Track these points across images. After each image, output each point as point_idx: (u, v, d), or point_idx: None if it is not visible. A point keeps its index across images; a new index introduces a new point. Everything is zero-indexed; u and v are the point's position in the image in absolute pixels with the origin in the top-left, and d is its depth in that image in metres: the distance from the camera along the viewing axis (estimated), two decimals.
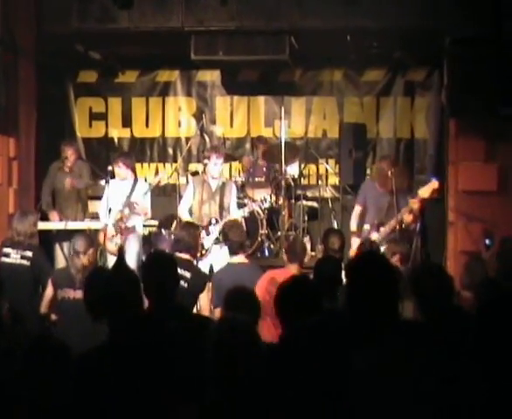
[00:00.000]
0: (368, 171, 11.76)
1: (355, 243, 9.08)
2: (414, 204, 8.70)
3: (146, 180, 10.98)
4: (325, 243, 7.18)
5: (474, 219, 9.30)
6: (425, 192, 8.72)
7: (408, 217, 8.77)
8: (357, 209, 9.39)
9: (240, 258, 7.71)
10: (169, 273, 4.81)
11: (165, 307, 4.59)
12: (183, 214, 9.42)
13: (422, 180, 10.62)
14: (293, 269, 7.16)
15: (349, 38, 10.14)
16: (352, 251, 8.82)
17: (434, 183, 8.72)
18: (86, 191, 10.50)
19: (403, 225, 8.79)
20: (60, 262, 9.36)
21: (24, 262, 7.74)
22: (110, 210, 9.08)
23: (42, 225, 9.03)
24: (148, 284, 4.61)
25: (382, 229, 8.84)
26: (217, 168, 9.32)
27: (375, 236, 8.84)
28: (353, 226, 9.36)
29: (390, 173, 8.91)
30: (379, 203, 9.01)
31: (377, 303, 3.38)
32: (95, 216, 9.97)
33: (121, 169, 9.54)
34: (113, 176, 9.61)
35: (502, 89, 8.41)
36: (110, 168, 9.65)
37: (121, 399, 3.59)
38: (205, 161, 9.52)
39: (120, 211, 9.28)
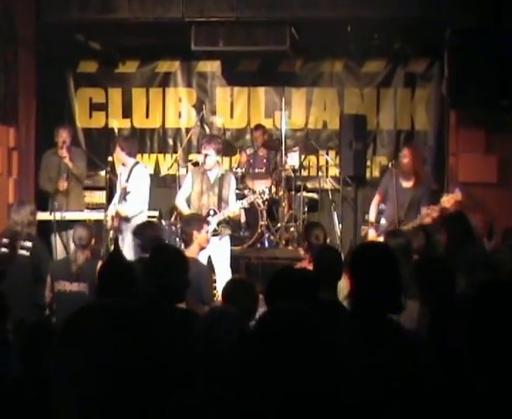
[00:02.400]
0: (368, 163, 11.75)
1: (371, 233, 8.98)
2: (434, 212, 8.56)
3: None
4: (308, 237, 6.88)
5: (474, 210, 9.29)
6: (447, 202, 8.53)
7: (427, 222, 8.67)
8: (377, 198, 9.25)
9: None
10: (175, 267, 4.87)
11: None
12: (179, 203, 9.36)
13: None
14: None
15: (349, 29, 10.12)
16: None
17: (458, 195, 8.49)
18: (82, 179, 10.31)
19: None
20: (59, 252, 9.31)
21: (24, 252, 7.73)
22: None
23: (40, 216, 8.98)
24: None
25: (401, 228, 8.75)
26: (208, 159, 9.11)
27: None
28: (372, 216, 9.18)
29: (414, 161, 8.85)
30: (400, 199, 8.76)
31: (378, 291, 3.39)
32: (93, 207, 9.92)
33: (117, 154, 9.42)
34: (113, 166, 9.57)
35: (503, 80, 8.40)
36: (110, 158, 9.63)
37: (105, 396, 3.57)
38: (203, 151, 9.49)
39: (114, 205, 9.21)
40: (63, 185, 9.63)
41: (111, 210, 9.15)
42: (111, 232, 8.98)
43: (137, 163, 9.54)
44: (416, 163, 8.97)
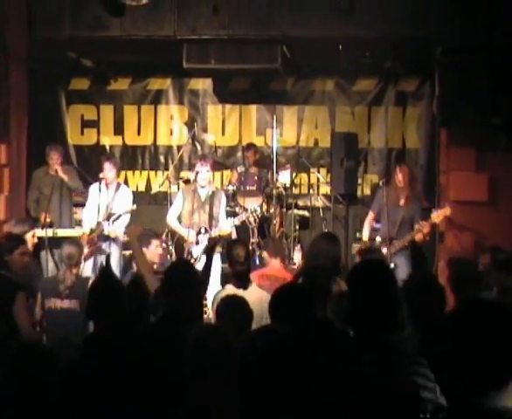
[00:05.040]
0: (359, 181, 11.77)
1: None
2: (425, 228, 8.70)
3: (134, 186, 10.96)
4: (229, 256, 6.66)
5: (465, 229, 9.32)
6: (437, 217, 8.73)
7: (419, 238, 8.76)
8: (370, 216, 9.39)
9: None
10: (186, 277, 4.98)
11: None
12: (171, 221, 9.41)
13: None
14: (275, 264, 7.14)
15: (340, 48, 10.16)
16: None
17: (447, 210, 8.72)
18: (72, 197, 10.40)
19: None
20: (50, 268, 9.30)
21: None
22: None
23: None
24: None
25: (393, 245, 8.81)
26: (202, 176, 9.26)
27: (385, 251, 8.79)
28: (365, 235, 9.32)
29: (408, 180, 8.95)
30: (393, 217, 8.91)
31: (377, 311, 3.38)
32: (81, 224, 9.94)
33: (106, 171, 9.50)
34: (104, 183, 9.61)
35: (493, 99, 8.44)
36: (101, 175, 9.64)
37: (107, 406, 3.57)
38: (196, 169, 9.52)
39: (98, 223, 9.26)
40: (44, 218, 9.70)
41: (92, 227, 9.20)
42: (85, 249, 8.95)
43: (120, 183, 9.82)
44: (408, 182, 9.08)
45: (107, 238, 9.31)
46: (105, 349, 3.73)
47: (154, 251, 7.70)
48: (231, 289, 6.29)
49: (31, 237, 8.29)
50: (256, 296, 5.71)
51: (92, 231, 9.21)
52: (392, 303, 3.46)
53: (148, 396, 3.60)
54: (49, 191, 9.86)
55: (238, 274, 6.41)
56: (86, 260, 8.90)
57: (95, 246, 9.23)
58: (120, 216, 9.28)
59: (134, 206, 9.43)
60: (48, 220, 9.70)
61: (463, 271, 6.31)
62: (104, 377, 3.62)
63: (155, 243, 7.75)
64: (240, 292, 5.84)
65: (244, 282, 6.33)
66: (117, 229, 9.28)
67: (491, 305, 2.70)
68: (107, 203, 9.44)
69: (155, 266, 7.82)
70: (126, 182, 11.49)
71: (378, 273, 3.60)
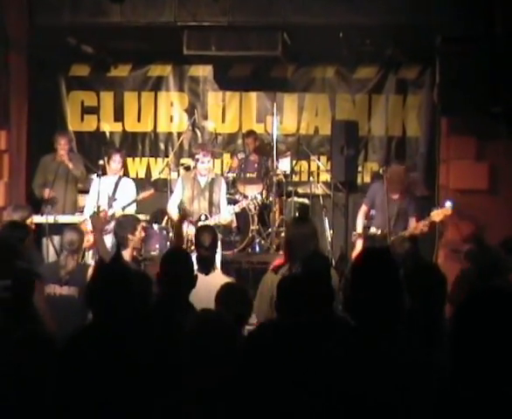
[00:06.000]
0: (359, 168, 11.77)
1: (359, 244, 9.09)
2: (425, 227, 8.69)
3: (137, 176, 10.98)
4: (196, 240, 6.79)
5: (465, 217, 9.33)
6: (437, 216, 8.70)
7: (416, 233, 8.75)
8: (364, 209, 9.38)
9: None
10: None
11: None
12: (171, 210, 9.42)
13: (413, 178, 10.71)
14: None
15: (341, 35, 10.15)
16: (356, 253, 8.76)
17: (448, 210, 8.67)
18: (77, 184, 10.45)
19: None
20: (51, 255, 9.31)
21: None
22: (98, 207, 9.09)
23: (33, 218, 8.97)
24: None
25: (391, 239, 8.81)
26: (204, 165, 9.29)
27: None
28: (359, 227, 9.31)
29: (405, 179, 8.97)
30: (389, 211, 8.85)
31: (381, 301, 3.36)
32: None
33: (115, 163, 9.56)
34: (104, 171, 9.61)
35: (493, 87, 8.43)
36: (101, 162, 9.64)
37: (97, 392, 3.57)
38: (196, 156, 9.52)
39: (102, 210, 9.25)
40: (48, 193, 9.70)
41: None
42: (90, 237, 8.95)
43: (121, 176, 9.91)
44: (404, 180, 9.06)
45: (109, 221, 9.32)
46: (99, 341, 3.71)
47: (139, 237, 7.71)
48: None
49: (30, 224, 8.29)
50: (218, 281, 5.73)
51: (95, 214, 9.11)
52: (398, 293, 3.43)
53: (143, 384, 3.60)
54: (52, 177, 9.90)
55: (202, 259, 6.53)
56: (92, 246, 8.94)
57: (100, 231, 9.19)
58: (133, 202, 9.36)
59: (152, 189, 9.62)
60: (52, 195, 9.72)
61: (486, 260, 6.32)
62: (99, 368, 3.61)
63: (138, 228, 7.76)
64: (202, 277, 5.95)
65: (207, 267, 6.44)
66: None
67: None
68: (109, 192, 9.46)
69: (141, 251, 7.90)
70: (126, 169, 11.48)
71: (386, 262, 3.56)
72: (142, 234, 7.84)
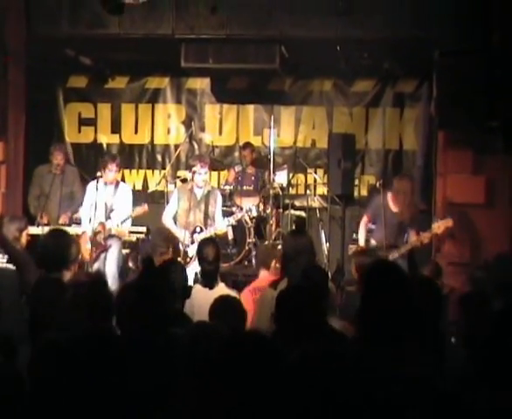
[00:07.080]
0: (356, 182, 11.77)
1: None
2: (425, 238, 8.69)
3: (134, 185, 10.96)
4: (199, 254, 6.75)
5: (462, 231, 9.33)
6: (438, 228, 8.70)
7: (417, 246, 8.74)
8: (365, 220, 9.32)
9: None
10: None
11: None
12: (166, 221, 9.41)
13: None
14: (263, 275, 7.13)
15: (338, 49, 10.17)
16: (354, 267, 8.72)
17: (449, 222, 8.68)
18: (76, 200, 10.42)
19: None
20: None
21: (10, 265, 7.68)
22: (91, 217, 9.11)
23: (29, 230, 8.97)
24: None
25: (392, 252, 8.78)
26: (201, 177, 9.28)
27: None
28: (361, 240, 9.24)
29: (409, 192, 8.94)
30: (389, 223, 8.81)
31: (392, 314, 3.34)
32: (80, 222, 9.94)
33: (111, 172, 9.52)
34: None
35: (491, 102, 8.43)
36: (99, 173, 9.63)
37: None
38: (193, 168, 9.51)
39: (100, 223, 9.25)
40: (43, 219, 9.69)
41: (93, 225, 9.18)
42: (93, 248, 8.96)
43: (118, 181, 9.82)
44: (411, 194, 9.04)
45: (108, 236, 9.33)
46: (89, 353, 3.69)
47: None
48: (197, 288, 6.39)
49: (25, 235, 8.28)
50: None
51: (95, 233, 9.15)
52: (406, 307, 3.43)
53: (134, 397, 3.58)
54: (48, 189, 9.89)
55: (206, 273, 6.55)
56: (94, 261, 8.95)
57: (103, 247, 9.26)
58: (128, 217, 9.36)
59: (146, 206, 9.47)
60: (45, 219, 9.73)
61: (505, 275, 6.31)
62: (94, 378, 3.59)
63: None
64: (206, 291, 6.01)
65: (211, 281, 6.45)
66: (125, 229, 9.46)
67: None
68: (106, 201, 9.44)
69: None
70: (123, 181, 11.46)
71: (395, 275, 3.55)
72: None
